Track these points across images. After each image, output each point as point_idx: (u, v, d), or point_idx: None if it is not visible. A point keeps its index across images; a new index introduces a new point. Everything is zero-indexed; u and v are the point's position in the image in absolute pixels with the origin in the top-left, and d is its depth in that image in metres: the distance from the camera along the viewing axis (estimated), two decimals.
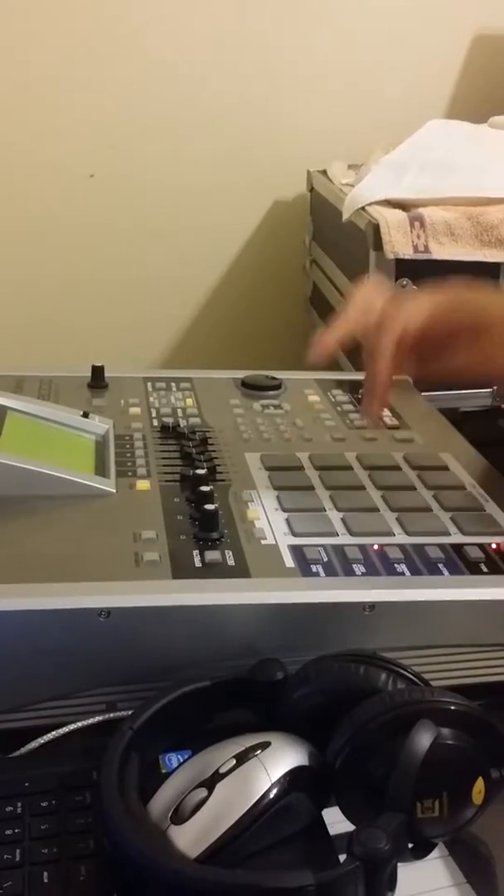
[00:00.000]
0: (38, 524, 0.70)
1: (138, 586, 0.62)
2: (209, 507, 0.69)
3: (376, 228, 1.02)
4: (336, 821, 0.52)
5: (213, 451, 0.83)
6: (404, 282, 1.04)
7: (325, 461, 0.81)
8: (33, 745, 0.59)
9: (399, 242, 1.02)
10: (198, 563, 0.65)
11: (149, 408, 0.93)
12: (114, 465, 0.79)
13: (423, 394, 1.02)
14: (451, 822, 0.50)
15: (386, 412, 0.94)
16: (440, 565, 0.66)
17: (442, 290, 0.75)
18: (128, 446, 0.83)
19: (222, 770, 0.50)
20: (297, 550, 0.67)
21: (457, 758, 0.50)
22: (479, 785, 0.50)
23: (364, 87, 1.50)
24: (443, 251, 1.03)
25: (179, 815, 0.49)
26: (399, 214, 1.04)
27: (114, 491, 0.75)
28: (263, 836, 0.49)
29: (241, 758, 0.51)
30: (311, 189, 1.44)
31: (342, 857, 0.46)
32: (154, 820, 0.50)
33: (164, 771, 0.55)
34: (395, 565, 0.66)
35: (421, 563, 0.66)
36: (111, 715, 0.61)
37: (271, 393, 0.98)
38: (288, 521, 0.71)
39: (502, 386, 0.77)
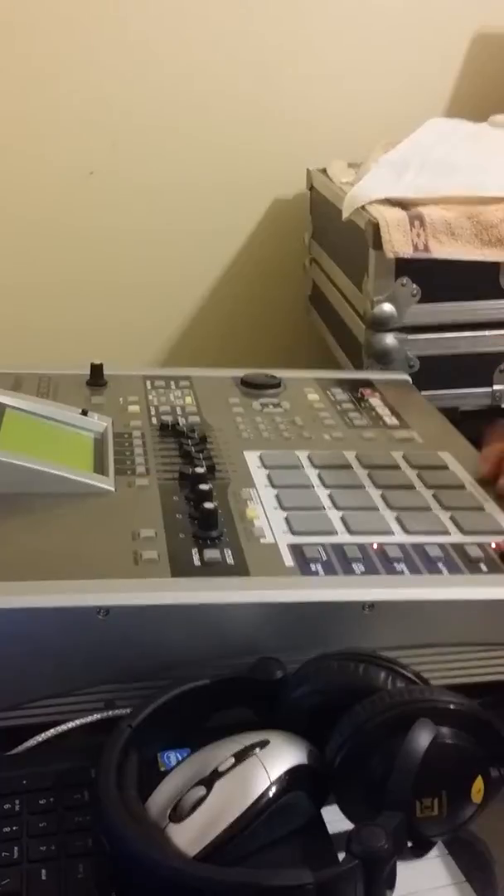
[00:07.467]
0: (37, 522, 0.69)
1: (137, 584, 0.62)
2: (208, 505, 0.69)
3: (376, 227, 1.02)
4: (335, 819, 0.52)
5: (213, 449, 0.83)
6: (404, 281, 1.04)
7: (324, 460, 0.81)
8: (31, 742, 0.59)
9: (399, 241, 1.02)
10: (197, 562, 0.65)
11: (148, 406, 0.93)
12: (113, 463, 0.79)
13: (422, 393, 1.02)
14: (451, 821, 0.50)
15: (386, 411, 0.94)
16: (440, 564, 0.66)
17: None
18: (127, 444, 0.83)
19: (221, 768, 0.50)
20: (296, 549, 0.67)
21: (456, 757, 0.50)
22: (479, 784, 0.50)
23: (364, 86, 1.49)
24: (443, 250, 1.03)
25: (178, 813, 0.49)
26: (399, 213, 1.04)
27: (112, 489, 0.74)
28: (262, 835, 0.49)
29: (240, 756, 0.51)
30: (311, 188, 1.44)
31: (341, 856, 0.46)
32: (152, 818, 0.50)
33: (162, 769, 0.55)
34: (395, 564, 0.66)
35: (420, 563, 0.66)
36: (110, 713, 0.61)
37: (271, 391, 0.98)
38: (287, 519, 0.71)
39: None
